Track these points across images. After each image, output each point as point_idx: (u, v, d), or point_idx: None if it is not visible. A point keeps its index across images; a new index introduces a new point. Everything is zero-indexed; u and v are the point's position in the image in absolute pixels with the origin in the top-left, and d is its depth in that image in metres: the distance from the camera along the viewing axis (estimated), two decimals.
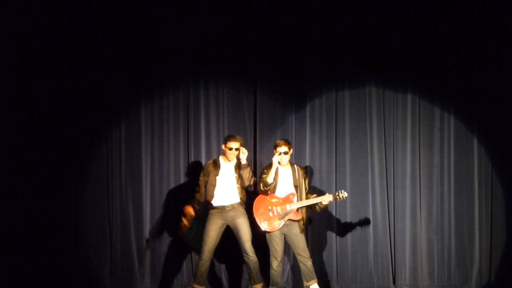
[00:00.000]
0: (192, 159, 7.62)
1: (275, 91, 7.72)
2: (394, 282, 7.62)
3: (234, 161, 6.82)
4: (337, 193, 6.75)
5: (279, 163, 6.75)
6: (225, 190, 6.76)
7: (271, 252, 6.73)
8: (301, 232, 6.75)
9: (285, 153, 6.76)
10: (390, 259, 7.62)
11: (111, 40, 7.46)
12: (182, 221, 6.90)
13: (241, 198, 6.78)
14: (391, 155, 7.71)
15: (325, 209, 6.91)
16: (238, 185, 6.77)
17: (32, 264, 7.23)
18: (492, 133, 7.60)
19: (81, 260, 7.41)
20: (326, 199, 6.68)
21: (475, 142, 7.65)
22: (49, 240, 7.29)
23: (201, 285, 6.79)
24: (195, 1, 7.52)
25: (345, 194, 6.72)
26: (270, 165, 6.78)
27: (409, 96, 7.70)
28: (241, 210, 6.76)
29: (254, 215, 6.72)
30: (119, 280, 7.50)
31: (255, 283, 6.79)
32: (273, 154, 7.16)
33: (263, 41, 7.61)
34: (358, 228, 7.60)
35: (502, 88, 7.52)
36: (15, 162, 7.18)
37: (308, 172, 7.39)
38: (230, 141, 6.74)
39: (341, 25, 7.59)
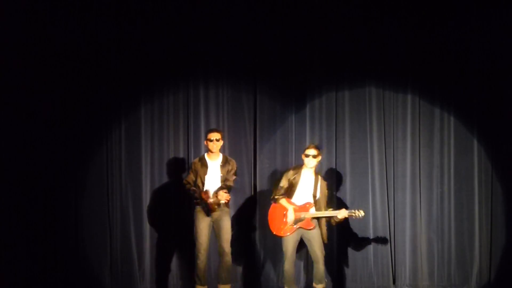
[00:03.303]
0: (192, 159, 7.61)
1: (275, 91, 7.71)
2: (394, 282, 7.62)
3: (220, 159, 6.81)
4: (353, 211, 6.66)
5: (305, 165, 6.66)
6: (212, 189, 6.73)
7: (284, 251, 6.65)
8: (322, 239, 6.65)
9: (314, 156, 6.63)
10: (390, 259, 7.62)
11: (111, 40, 7.45)
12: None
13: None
14: (391, 155, 7.70)
15: (340, 223, 6.81)
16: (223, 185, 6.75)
17: (32, 264, 7.23)
18: (492, 133, 7.61)
19: (81, 260, 7.40)
20: (342, 214, 6.59)
21: (475, 142, 7.66)
22: (49, 240, 7.29)
23: (203, 285, 6.77)
24: (195, 1, 7.52)
25: (362, 213, 6.64)
26: (295, 169, 6.71)
27: (409, 96, 7.70)
28: (226, 210, 6.77)
29: (269, 221, 6.68)
30: (119, 280, 7.49)
31: (224, 283, 6.76)
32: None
33: (263, 41, 7.61)
34: (358, 227, 7.61)
35: (502, 88, 7.53)
36: (15, 162, 7.18)
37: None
38: (210, 132, 6.78)
39: (342, 25, 7.60)
